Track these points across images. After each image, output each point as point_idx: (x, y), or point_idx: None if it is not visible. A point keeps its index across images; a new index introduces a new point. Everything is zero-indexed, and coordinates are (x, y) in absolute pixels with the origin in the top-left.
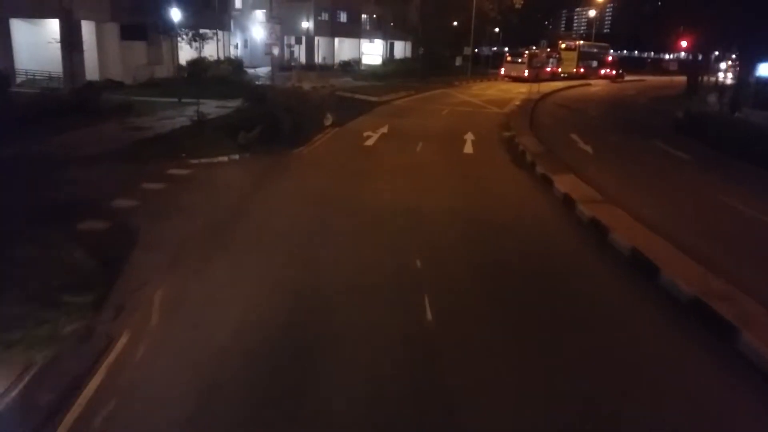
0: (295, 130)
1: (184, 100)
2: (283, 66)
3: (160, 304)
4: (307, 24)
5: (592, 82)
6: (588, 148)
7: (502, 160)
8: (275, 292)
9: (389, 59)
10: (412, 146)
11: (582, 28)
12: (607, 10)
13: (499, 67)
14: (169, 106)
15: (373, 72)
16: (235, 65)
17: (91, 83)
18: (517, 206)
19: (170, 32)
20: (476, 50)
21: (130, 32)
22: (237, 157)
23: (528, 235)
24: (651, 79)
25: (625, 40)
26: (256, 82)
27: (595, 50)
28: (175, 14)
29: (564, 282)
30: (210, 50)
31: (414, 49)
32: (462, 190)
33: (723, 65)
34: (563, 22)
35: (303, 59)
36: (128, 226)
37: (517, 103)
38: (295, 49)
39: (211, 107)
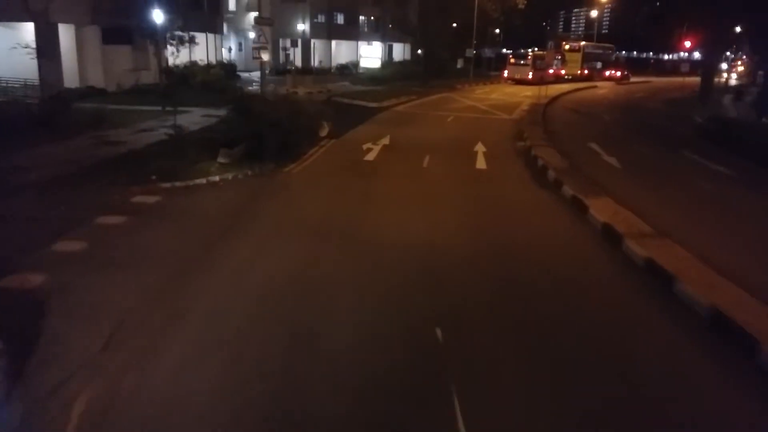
0: (285, 143)
1: (168, 109)
2: (278, 70)
3: (78, 422)
4: (302, 26)
5: (597, 84)
6: (613, 161)
7: (521, 177)
8: (244, 403)
9: (388, 62)
10: (418, 160)
11: (580, 29)
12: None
13: (501, 70)
14: (151, 115)
15: (371, 75)
16: (228, 70)
17: (60, 92)
18: (549, 241)
19: (156, 36)
20: (475, 52)
21: (113, 36)
22: (217, 178)
23: (571, 289)
24: (656, 80)
25: (624, 40)
26: (249, 88)
27: (600, 51)
28: (160, 16)
29: (637, 373)
30: (202, 54)
31: (413, 51)
32: (481, 219)
33: (724, 65)
34: (561, 23)
35: (299, 62)
36: (60, 283)
37: (525, 108)
38: (291, 52)
39: (196, 117)
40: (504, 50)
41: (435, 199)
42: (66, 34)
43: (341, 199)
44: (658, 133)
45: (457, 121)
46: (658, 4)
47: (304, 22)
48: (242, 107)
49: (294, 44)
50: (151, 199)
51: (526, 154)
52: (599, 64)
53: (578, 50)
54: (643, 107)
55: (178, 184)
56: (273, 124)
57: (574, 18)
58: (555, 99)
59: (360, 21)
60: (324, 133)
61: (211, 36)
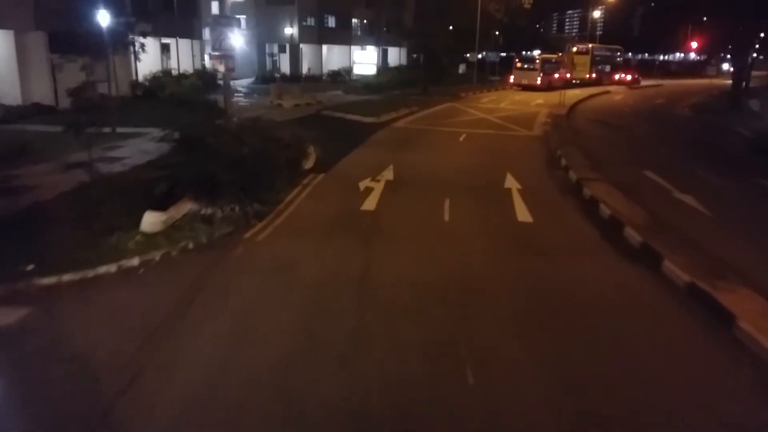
0: (251, 189)
1: (120, 131)
2: (265, 78)
3: None
4: (290, 30)
5: (609, 88)
6: (692, 202)
7: (586, 238)
8: None
9: (384, 68)
10: (435, 208)
11: (574, 30)
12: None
13: (505, 75)
14: (97, 140)
15: (366, 83)
16: (208, 79)
17: None
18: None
19: (117, 42)
20: (481, 56)
21: (63, 43)
22: (136, 261)
23: None
24: (667, 83)
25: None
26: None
27: (608, 54)
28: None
29: None
30: (183, 61)
31: (409, 55)
32: (556, 348)
33: (725, 66)
34: (554, 25)
35: (287, 69)
36: None
37: (544, 120)
38: (278, 58)
39: (148, 143)
40: (503, 54)
41: (471, 295)
42: (3, 41)
43: (327, 303)
44: (710, 152)
45: (471, 140)
46: (652, 4)
47: (292, 26)
48: (188, 141)
49: (282, 50)
50: (13, 316)
51: (574, 191)
52: (608, 68)
53: (586, 53)
54: (673, 116)
55: (68, 277)
56: (233, 165)
57: (567, 20)
58: (572, 108)
59: (353, 24)
60: (309, 164)
61: (193, 42)
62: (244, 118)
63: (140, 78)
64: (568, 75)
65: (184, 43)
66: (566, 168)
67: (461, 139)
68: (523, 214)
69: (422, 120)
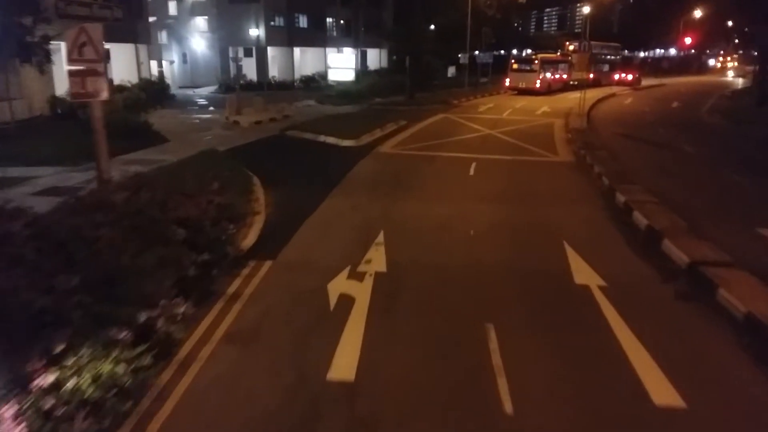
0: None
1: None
2: (229, 86)
3: None
4: (256, 31)
5: (611, 90)
6: None
7: None
8: None
9: (364, 72)
10: (475, 366)
11: (552, 28)
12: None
13: (503, 77)
14: None
15: (344, 91)
16: (155, 90)
17: None
18: None
19: (33, 51)
20: (462, 57)
21: None
22: None
23: None
24: (669, 82)
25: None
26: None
27: (607, 51)
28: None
29: None
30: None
31: (389, 58)
32: None
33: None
34: (533, 23)
35: (254, 75)
36: None
37: (565, 135)
38: (244, 63)
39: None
40: (495, 54)
41: None
42: None
43: None
44: None
45: (486, 173)
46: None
47: (257, 27)
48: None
49: (248, 53)
50: None
51: (696, 286)
52: (606, 67)
53: (585, 51)
54: (704, 125)
55: None
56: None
57: (546, 17)
58: (587, 117)
59: (327, 24)
60: (251, 238)
61: (138, 47)
62: (136, 177)
63: (63, 92)
64: (566, 76)
65: (125, 49)
66: (651, 230)
67: (472, 171)
68: (655, 380)
69: (414, 140)
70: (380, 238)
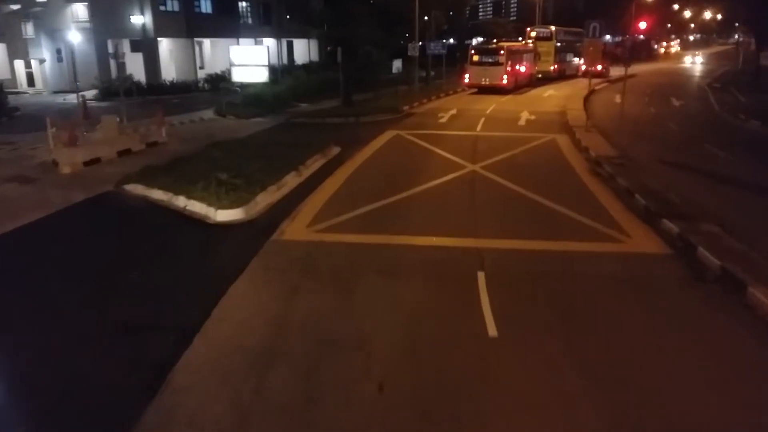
0: None
1: None
2: (111, 90)
3: None
4: (141, 18)
5: (583, 83)
6: None
7: None
8: None
9: (290, 67)
10: None
11: (488, 16)
12: None
13: (458, 71)
14: None
15: (257, 95)
16: None
17: None
18: None
19: None
20: (411, 48)
21: None
22: None
23: None
24: (634, 71)
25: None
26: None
27: (571, 38)
28: None
29: None
30: None
31: (321, 49)
32: None
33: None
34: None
35: (142, 75)
36: None
37: (598, 168)
38: (131, 60)
39: None
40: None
41: None
42: None
43: None
44: None
45: (523, 331)
46: None
47: (143, 13)
48: None
49: (135, 47)
50: None
51: None
52: (570, 56)
53: (550, 38)
54: (745, 132)
55: None
56: None
57: (480, 5)
58: (602, 132)
59: (240, 9)
60: None
61: None
62: None
63: None
64: (532, 69)
65: None
66: None
67: (488, 323)
68: None
69: (351, 196)
70: None
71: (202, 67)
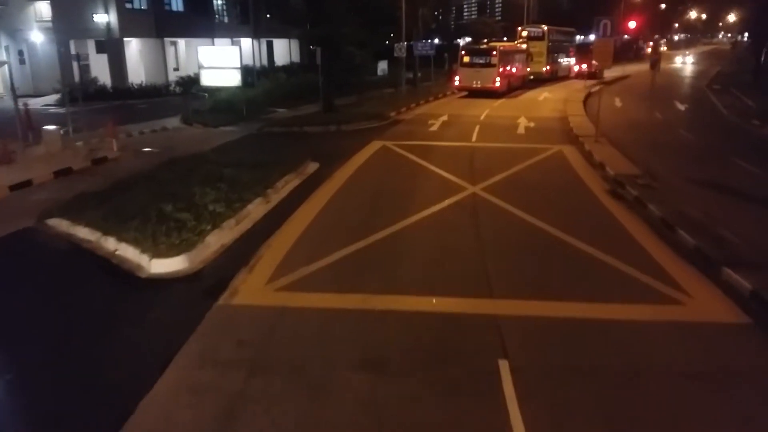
0: None
1: None
2: (74, 95)
3: None
4: (105, 17)
5: (577, 84)
6: None
7: None
8: None
9: (267, 69)
10: None
11: (473, 16)
12: None
13: (447, 73)
14: None
15: (228, 100)
16: None
17: None
18: None
19: None
20: (397, 48)
21: None
22: None
23: None
24: (632, 71)
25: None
26: None
27: (563, 38)
28: None
29: None
30: None
31: (303, 50)
32: None
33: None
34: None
35: (108, 78)
36: None
37: (622, 190)
38: (97, 62)
39: None
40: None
41: None
42: None
43: None
44: None
45: None
46: None
47: (107, 11)
48: None
49: (100, 48)
50: None
51: None
52: (563, 56)
53: (542, 38)
54: None
55: None
56: None
57: (465, 5)
58: (617, 144)
59: (215, 7)
60: None
61: None
62: None
63: None
64: (525, 70)
65: None
66: None
67: None
68: None
69: (325, 241)
70: None
71: (177, 69)
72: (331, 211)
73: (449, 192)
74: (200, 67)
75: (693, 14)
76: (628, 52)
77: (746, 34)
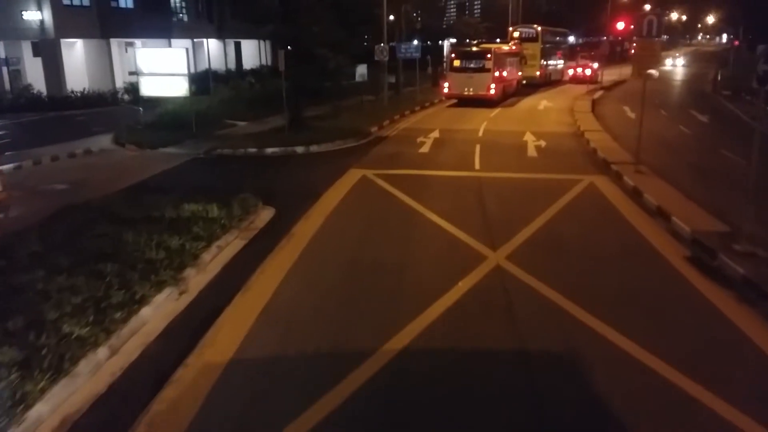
0: None
1: None
2: (2, 105)
3: None
4: (38, 14)
5: (575, 90)
6: None
7: None
8: None
9: (233, 73)
10: None
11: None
12: None
13: (439, 80)
14: None
15: (173, 114)
16: None
17: None
18: None
19: None
20: (378, 51)
21: None
22: None
23: None
24: (626, 75)
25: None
26: None
27: (557, 39)
28: None
29: None
30: None
31: (274, 52)
32: None
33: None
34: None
35: (42, 84)
36: None
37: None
38: (30, 66)
39: None
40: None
41: None
42: None
43: None
44: None
45: None
46: None
47: (40, 8)
48: None
49: (36, 51)
50: None
51: None
52: (555, 59)
53: (535, 39)
54: None
55: None
56: None
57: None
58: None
59: (173, 4)
60: None
61: None
62: None
63: None
64: (518, 75)
65: None
66: None
67: None
68: None
69: (268, 387)
70: None
71: (133, 74)
72: (280, 312)
73: (460, 265)
74: (139, 73)
75: (674, 16)
76: (614, 54)
77: (725, 36)
